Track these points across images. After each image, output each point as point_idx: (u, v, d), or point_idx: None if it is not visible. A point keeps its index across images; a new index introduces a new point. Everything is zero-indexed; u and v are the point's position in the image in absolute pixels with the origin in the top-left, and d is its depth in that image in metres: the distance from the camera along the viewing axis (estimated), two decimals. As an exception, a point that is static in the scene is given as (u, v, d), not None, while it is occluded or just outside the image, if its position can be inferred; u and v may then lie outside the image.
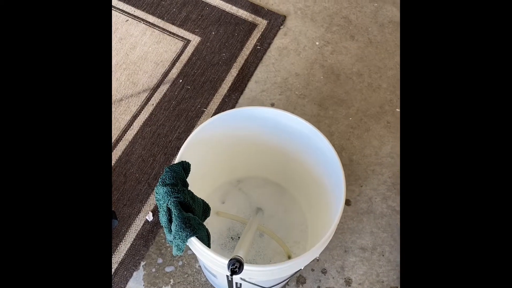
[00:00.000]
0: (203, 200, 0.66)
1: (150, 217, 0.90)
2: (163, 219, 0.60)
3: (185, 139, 0.98)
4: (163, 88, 1.04)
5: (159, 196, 0.60)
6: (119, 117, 1.00)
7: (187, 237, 0.56)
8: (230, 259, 0.54)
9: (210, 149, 0.76)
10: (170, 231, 0.60)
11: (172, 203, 0.58)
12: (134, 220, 0.90)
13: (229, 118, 0.72)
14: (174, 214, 0.58)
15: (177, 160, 0.65)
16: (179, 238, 0.57)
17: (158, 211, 0.62)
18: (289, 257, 0.81)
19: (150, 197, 0.92)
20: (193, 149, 0.70)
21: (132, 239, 0.88)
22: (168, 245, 0.88)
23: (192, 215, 0.60)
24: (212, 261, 0.57)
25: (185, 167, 0.63)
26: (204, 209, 0.66)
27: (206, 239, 0.60)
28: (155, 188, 0.61)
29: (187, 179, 0.64)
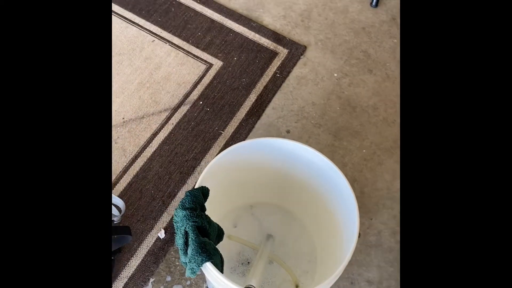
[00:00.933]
0: (218, 225, 0.68)
1: (162, 235, 0.92)
2: (179, 241, 0.62)
3: (201, 159, 1.02)
4: (184, 109, 1.07)
5: (177, 219, 0.62)
6: (140, 134, 1.03)
7: (203, 262, 0.58)
8: None
9: (226, 174, 0.79)
10: (185, 253, 0.62)
11: (190, 227, 0.60)
12: (146, 236, 0.92)
13: (247, 147, 0.75)
14: (191, 238, 0.60)
15: (197, 185, 0.67)
16: (195, 262, 0.58)
17: (175, 233, 0.64)
18: (297, 286, 0.83)
19: (163, 215, 0.95)
20: (211, 174, 0.72)
21: (143, 255, 0.90)
22: (177, 263, 0.90)
23: (208, 239, 0.62)
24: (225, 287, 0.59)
25: (204, 192, 0.65)
26: (219, 234, 0.68)
27: (220, 265, 0.62)
28: (175, 211, 0.63)
29: (205, 204, 0.66)
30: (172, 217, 0.93)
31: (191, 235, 0.60)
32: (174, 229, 0.65)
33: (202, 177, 0.68)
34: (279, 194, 0.89)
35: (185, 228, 0.61)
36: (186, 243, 0.62)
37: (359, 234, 0.94)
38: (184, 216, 0.61)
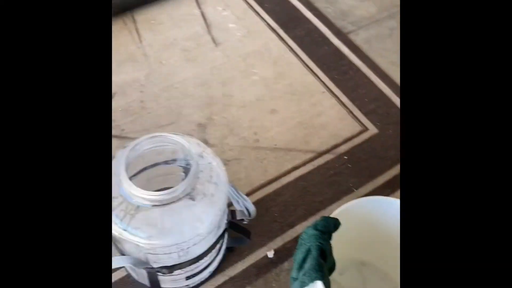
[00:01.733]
0: (334, 259, 0.74)
1: (271, 254, 0.99)
2: (300, 256, 0.69)
3: (327, 206, 1.09)
4: (328, 157, 1.16)
5: (305, 236, 0.70)
6: (283, 163, 1.15)
7: (316, 279, 0.64)
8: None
9: (348, 222, 0.83)
10: (299, 268, 0.69)
11: (315, 246, 0.67)
12: (257, 249, 1.00)
13: (383, 203, 0.80)
14: (313, 256, 0.66)
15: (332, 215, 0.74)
16: (309, 276, 0.64)
17: (297, 248, 0.71)
18: None
19: (277, 238, 1.02)
20: (343, 215, 0.78)
21: (249, 264, 0.98)
22: (274, 285, 0.95)
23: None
24: (326, 311, 0.63)
25: (336, 223, 0.72)
26: (332, 266, 0.73)
27: (327, 290, 0.66)
28: (306, 228, 0.71)
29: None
30: (286, 243, 1.01)
31: (313, 253, 0.66)
32: (297, 245, 0.72)
33: (337, 213, 0.75)
34: (390, 262, 0.90)
35: (310, 246, 0.68)
36: (303, 260, 0.69)
37: None
38: (313, 235, 0.68)
